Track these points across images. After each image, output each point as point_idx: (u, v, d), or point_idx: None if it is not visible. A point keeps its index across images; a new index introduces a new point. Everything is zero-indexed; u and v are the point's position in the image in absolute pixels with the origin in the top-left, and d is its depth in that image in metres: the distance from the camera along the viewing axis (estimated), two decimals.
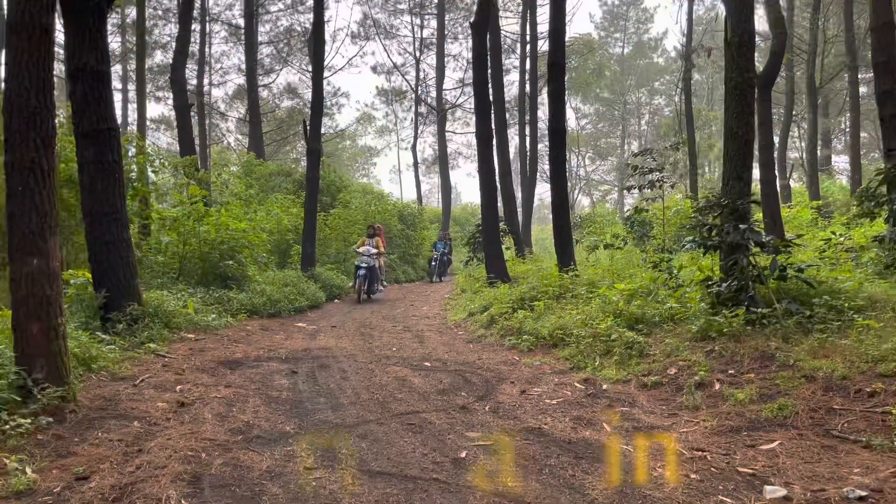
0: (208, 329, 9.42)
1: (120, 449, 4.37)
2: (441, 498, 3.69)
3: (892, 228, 8.67)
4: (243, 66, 33.65)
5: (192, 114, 20.28)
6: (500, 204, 18.14)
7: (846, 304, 6.31)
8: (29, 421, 4.50)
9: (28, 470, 3.89)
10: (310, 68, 28.44)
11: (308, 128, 16.80)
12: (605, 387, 6.25)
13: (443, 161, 35.72)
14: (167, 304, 9.01)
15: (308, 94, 36.31)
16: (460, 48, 41.61)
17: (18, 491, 3.63)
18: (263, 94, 38.62)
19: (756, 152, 11.23)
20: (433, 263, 23.31)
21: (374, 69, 44.96)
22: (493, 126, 16.12)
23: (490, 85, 16.35)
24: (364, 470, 4.12)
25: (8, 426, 4.35)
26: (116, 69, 38.44)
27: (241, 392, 6.13)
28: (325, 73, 27.00)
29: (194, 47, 29.79)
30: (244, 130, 38.27)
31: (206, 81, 35.24)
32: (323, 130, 23.71)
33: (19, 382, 4.81)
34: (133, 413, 5.18)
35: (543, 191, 50.70)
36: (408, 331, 10.71)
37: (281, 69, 39.19)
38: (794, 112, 28.13)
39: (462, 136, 52.28)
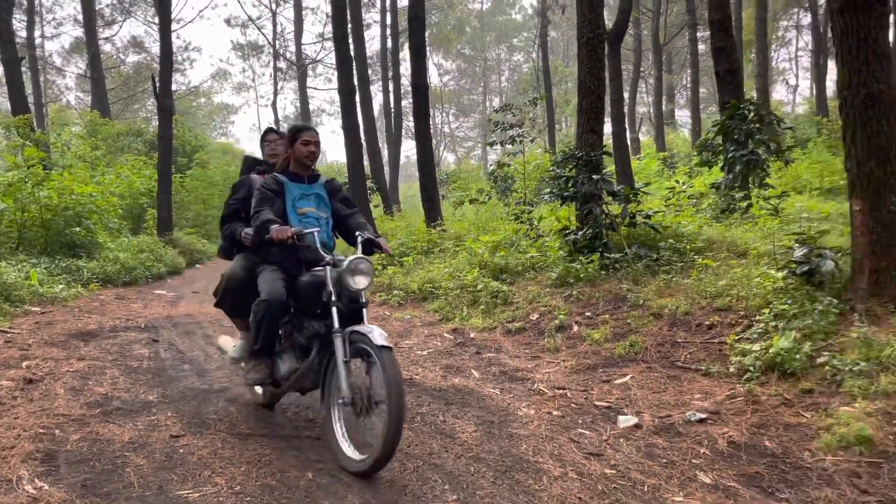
0: (56, 301, 8.79)
1: None
2: (315, 454, 3.71)
3: (727, 176, 9.43)
4: (80, 17, 30.93)
5: (23, 68, 18.45)
6: (366, 161, 17.92)
7: (688, 247, 6.83)
8: None
9: None
10: (156, 20, 26.62)
11: (158, 84, 15.79)
12: (472, 335, 6.46)
13: (305, 118, 34.90)
14: (6, 276, 8.29)
15: (156, 48, 34.00)
16: (318, 1, 40.39)
17: None
18: (106, 47, 35.83)
19: (608, 107, 11.77)
20: None
21: (227, 22, 43.21)
22: (355, 81, 15.86)
23: (351, 39, 16.03)
24: (235, 433, 4.05)
25: None
26: None
27: (96, 364, 5.79)
28: (174, 26, 25.36)
29: None
30: (86, 87, 35.43)
31: (37, 33, 32.18)
32: (175, 87, 22.39)
33: None
34: None
35: (409, 148, 50.85)
36: None
37: (124, 20, 36.45)
38: (641, 68, 29.65)
39: (325, 92, 51.24)
